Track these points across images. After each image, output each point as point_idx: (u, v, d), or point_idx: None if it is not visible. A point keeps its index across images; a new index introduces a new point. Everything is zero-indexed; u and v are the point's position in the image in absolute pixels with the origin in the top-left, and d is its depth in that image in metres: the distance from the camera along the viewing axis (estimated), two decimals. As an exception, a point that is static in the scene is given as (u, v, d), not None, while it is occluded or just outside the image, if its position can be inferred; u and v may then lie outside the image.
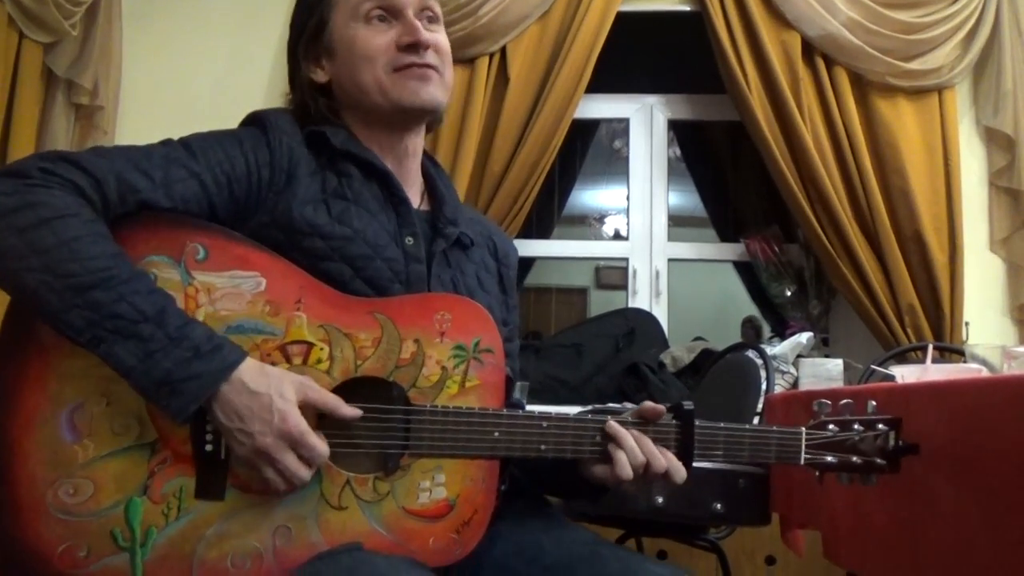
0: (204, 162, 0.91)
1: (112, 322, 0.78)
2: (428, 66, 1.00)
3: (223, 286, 0.86)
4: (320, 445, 0.82)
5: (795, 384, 2.38)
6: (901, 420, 0.97)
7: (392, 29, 1.00)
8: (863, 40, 2.48)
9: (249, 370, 0.82)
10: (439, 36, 1.03)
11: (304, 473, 0.82)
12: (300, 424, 0.81)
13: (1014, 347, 1.33)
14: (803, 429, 0.97)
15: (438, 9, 1.05)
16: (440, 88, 1.02)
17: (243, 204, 0.93)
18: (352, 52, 1.00)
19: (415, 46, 0.99)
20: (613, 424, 0.92)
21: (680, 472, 0.93)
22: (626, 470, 0.90)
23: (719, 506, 1.51)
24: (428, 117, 1.05)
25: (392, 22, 1.01)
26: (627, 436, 0.91)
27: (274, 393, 0.81)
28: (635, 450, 0.91)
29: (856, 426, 0.96)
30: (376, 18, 1.00)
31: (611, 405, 2.36)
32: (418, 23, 1.00)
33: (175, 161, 0.90)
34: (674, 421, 0.94)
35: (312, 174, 0.96)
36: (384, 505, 0.88)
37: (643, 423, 0.94)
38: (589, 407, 1.94)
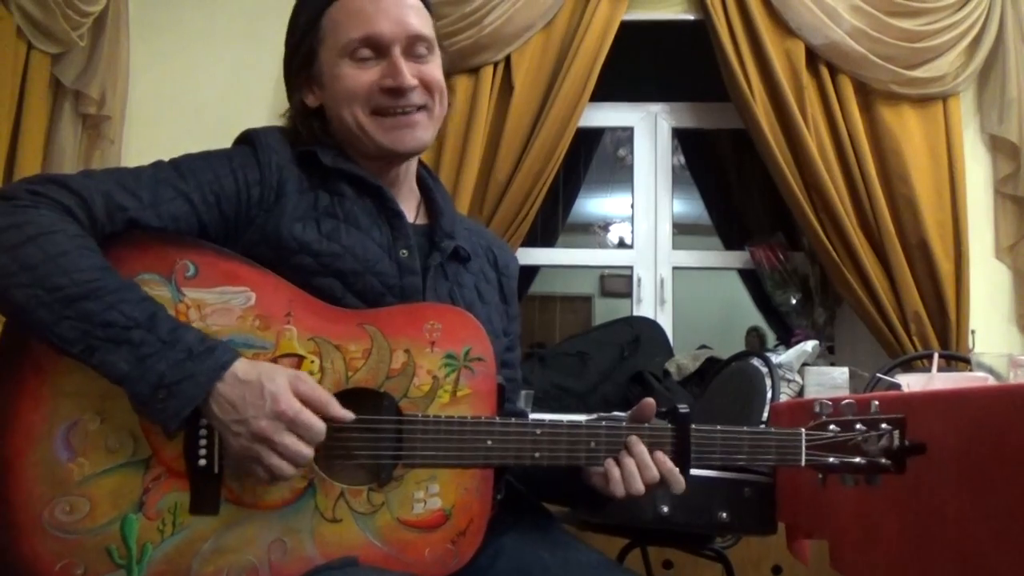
0: (193, 182, 0.92)
1: (104, 330, 0.79)
2: (412, 109, 0.99)
3: (213, 302, 0.86)
4: (317, 422, 0.82)
5: (800, 392, 2.37)
6: (906, 419, 0.95)
7: (377, 67, 0.99)
8: (867, 48, 2.48)
9: (242, 365, 0.82)
10: (428, 69, 1.00)
11: (306, 451, 0.82)
12: (293, 403, 0.81)
13: (1020, 355, 1.32)
14: (803, 430, 0.96)
15: (431, 38, 1.02)
16: (425, 129, 1.00)
17: (233, 223, 0.93)
18: (336, 89, 0.99)
19: (397, 91, 0.98)
20: (621, 452, 0.92)
21: (678, 481, 0.93)
22: (619, 489, 0.91)
23: (725, 515, 1.50)
24: (411, 157, 1.05)
25: (379, 59, 0.99)
26: (629, 463, 0.91)
27: (264, 379, 0.81)
28: (634, 477, 0.91)
29: (859, 426, 0.95)
30: (361, 56, 0.98)
31: (616, 414, 2.36)
32: (402, 64, 0.98)
33: (163, 182, 0.91)
34: (670, 426, 0.94)
35: (302, 192, 0.97)
36: (379, 517, 0.88)
37: (638, 425, 0.94)
38: (595, 415, 1.93)
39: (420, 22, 1.01)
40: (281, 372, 0.83)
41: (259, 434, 0.80)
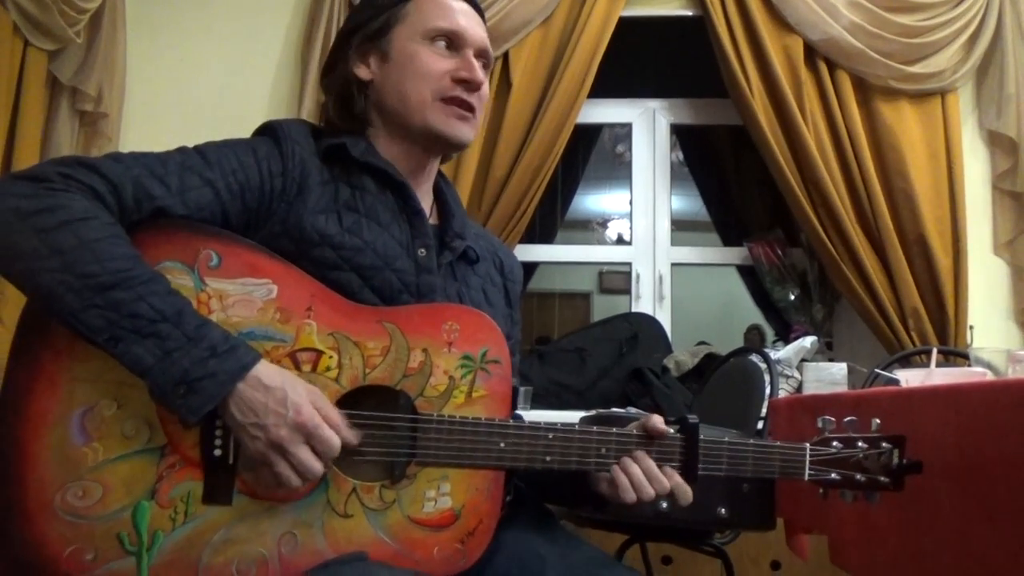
0: (218, 170, 0.92)
1: (131, 321, 0.79)
2: (472, 108, 1.03)
3: (235, 293, 0.86)
4: (333, 438, 0.82)
5: (799, 388, 2.37)
6: (905, 438, 0.97)
7: (451, 60, 1.03)
8: (865, 44, 2.48)
9: (264, 368, 0.83)
10: (484, 83, 1.06)
11: (317, 466, 0.82)
12: (314, 416, 0.82)
13: (1019, 350, 1.32)
14: (807, 445, 0.97)
15: (492, 59, 1.09)
16: (474, 130, 1.05)
17: (255, 213, 0.93)
18: (409, 65, 1.02)
19: (469, 84, 1.02)
20: (625, 460, 0.93)
21: (687, 495, 0.94)
22: (629, 495, 0.92)
23: (724, 511, 1.50)
24: (452, 151, 1.08)
25: (452, 54, 1.03)
26: (636, 471, 0.92)
27: (288, 388, 0.82)
28: (644, 485, 0.92)
29: (860, 443, 0.97)
30: (441, 44, 1.03)
31: (615, 410, 2.36)
32: (475, 63, 1.04)
33: (190, 169, 0.91)
34: (678, 435, 0.95)
35: (324, 184, 0.97)
36: (390, 514, 0.88)
37: (647, 438, 0.94)
38: (593, 412, 1.93)
39: (487, 41, 1.08)
40: (302, 384, 0.84)
41: (276, 442, 0.81)
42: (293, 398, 0.81)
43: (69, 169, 0.84)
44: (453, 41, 1.04)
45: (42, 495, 0.80)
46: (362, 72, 1.05)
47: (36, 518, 0.80)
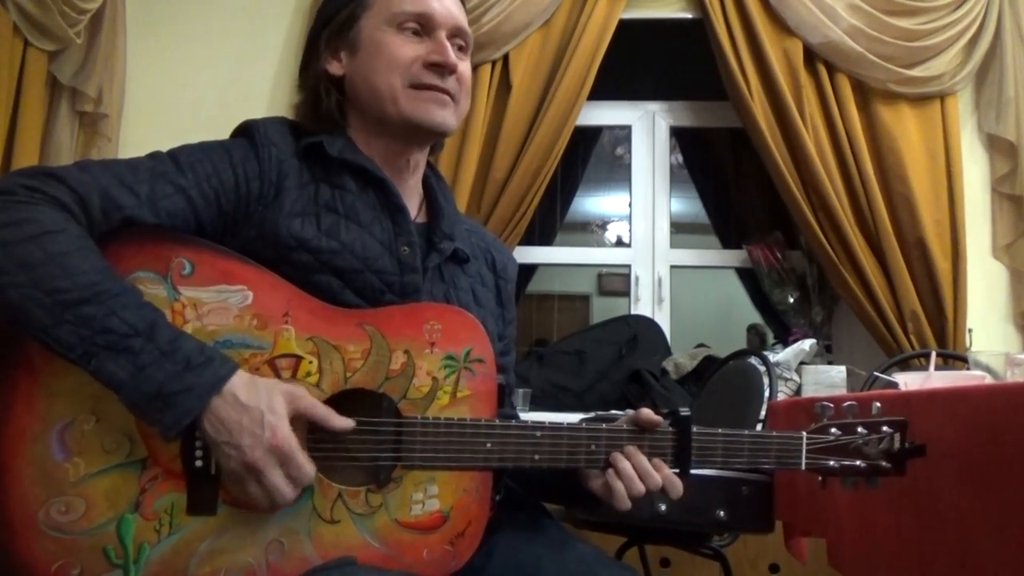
0: (192, 176, 0.90)
1: (103, 337, 0.77)
2: (447, 92, 0.99)
3: (210, 301, 0.85)
4: (307, 465, 0.81)
5: (798, 391, 2.37)
6: (907, 421, 0.95)
7: (422, 44, 0.99)
8: (865, 47, 2.48)
9: (241, 383, 0.81)
10: (464, 65, 1.02)
11: (288, 492, 0.81)
12: (290, 440, 0.80)
13: (1017, 354, 1.32)
14: (804, 434, 0.95)
15: (470, 39, 1.05)
16: (453, 115, 1.01)
17: (231, 218, 0.92)
18: (377, 54, 0.99)
19: (441, 67, 0.98)
20: (616, 456, 0.92)
21: (677, 488, 0.92)
22: (624, 503, 0.91)
23: (722, 513, 1.50)
24: (434, 139, 1.04)
25: (423, 38, 1.00)
26: (627, 467, 0.91)
27: (265, 407, 0.80)
28: (633, 481, 0.91)
29: (860, 429, 0.95)
30: (409, 29, 1.00)
31: (614, 412, 2.36)
32: (448, 44, 1.00)
33: (161, 176, 0.89)
34: (671, 428, 0.93)
35: (302, 186, 0.95)
36: (377, 518, 0.87)
37: (639, 431, 0.93)
38: (591, 414, 1.93)
39: (463, 19, 1.04)
40: (280, 396, 0.82)
41: (251, 464, 0.79)
42: (270, 419, 0.80)
43: (35, 181, 0.82)
44: (423, 25, 0.99)
45: (26, 512, 0.79)
46: (334, 68, 1.02)
47: (21, 535, 0.79)
